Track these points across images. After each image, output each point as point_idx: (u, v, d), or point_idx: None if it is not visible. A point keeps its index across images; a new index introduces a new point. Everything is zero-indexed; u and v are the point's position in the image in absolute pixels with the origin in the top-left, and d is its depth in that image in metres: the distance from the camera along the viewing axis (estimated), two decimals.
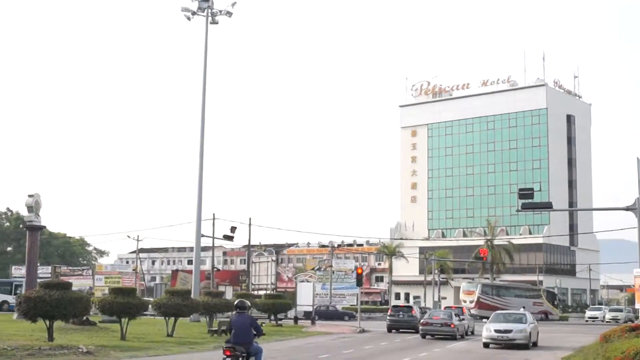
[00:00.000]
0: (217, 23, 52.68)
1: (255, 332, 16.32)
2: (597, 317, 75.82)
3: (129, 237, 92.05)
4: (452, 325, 38.14)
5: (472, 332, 44.16)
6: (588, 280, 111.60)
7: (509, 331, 31.76)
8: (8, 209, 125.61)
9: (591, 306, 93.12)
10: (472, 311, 65.60)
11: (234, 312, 16.76)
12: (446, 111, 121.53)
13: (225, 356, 15.90)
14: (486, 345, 32.20)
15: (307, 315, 66.54)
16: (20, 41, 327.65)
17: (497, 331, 31.97)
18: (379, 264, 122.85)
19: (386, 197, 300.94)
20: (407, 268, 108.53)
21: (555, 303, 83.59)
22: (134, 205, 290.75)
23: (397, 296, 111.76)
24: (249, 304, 17.27)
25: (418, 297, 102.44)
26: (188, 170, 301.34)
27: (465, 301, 73.78)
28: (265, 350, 28.89)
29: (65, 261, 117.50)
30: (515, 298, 76.09)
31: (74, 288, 32.27)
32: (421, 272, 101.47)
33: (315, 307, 70.42)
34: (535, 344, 33.23)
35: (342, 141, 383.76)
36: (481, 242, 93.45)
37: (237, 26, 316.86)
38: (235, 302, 16.67)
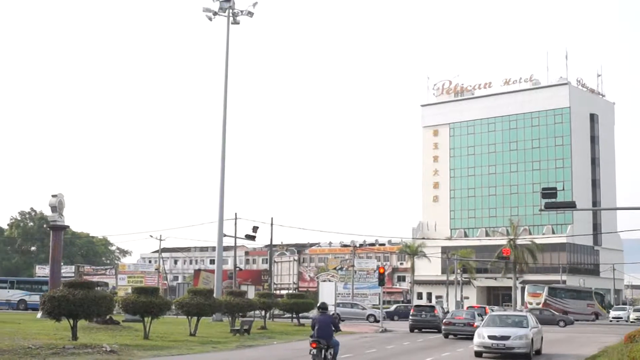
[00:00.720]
0: (238, 23, 52.89)
1: (334, 329, 19.43)
2: (621, 317, 75.15)
3: (151, 236, 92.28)
4: (474, 325, 37.87)
5: None
6: (612, 280, 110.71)
7: (506, 338, 26.06)
8: (32, 209, 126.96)
9: (615, 306, 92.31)
10: None
11: (317, 312, 20.00)
12: (468, 110, 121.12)
13: (311, 348, 19.01)
14: (478, 354, 26.79)
15: (388, 315, 66.14)
16: (44, 43, 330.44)
17: (491, 337, 26.32)
18: (401, 264, 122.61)
19: (408, 197, 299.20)
20: (429, 268, 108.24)
21: (604, 304, 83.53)
22: (156, 205, 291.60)
23: (420, 296, 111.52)
24: (327, 305, 20.85)
25: (440, 296, 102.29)
26: (210, 170, 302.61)
27: (531, 303, 75.94)
28: (284, 350, 29.24)
29: (88, 260, 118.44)
30: (574, 300, 77.43)
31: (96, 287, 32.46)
32: (443, 271, 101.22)
33: (395, 307, 70.29)
34: (538, 352, 28.44)
35: (364, 141, 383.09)
36: (504, 242, 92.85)
37: (258, 26, 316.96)
38: (318, 304, 20.22)
